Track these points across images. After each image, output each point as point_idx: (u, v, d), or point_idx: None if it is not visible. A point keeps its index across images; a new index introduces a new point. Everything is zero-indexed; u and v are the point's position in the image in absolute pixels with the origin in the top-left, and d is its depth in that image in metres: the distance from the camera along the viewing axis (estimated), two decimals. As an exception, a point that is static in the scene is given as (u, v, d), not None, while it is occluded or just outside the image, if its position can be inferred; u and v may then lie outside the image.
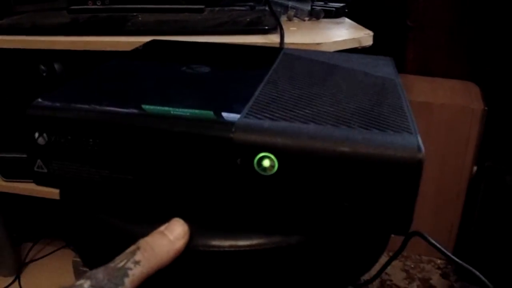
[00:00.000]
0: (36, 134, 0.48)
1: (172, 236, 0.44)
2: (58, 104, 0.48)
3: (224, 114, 0.45)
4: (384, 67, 0.64)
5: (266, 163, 0.42)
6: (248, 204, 0.46)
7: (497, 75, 1.67)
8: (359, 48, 0.96)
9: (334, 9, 1.21)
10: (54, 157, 0.49)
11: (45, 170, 0.49)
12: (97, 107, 0.47)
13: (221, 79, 0.59)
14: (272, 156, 0.42)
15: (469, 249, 1.61)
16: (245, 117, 0.45)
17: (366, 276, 0.71)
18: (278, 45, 0.88)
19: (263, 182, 0.43)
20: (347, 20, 1.21)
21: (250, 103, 0.48)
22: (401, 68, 1.77)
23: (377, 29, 1.04)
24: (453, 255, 1.64)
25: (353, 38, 0.97)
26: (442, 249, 0.63)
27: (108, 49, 0.97)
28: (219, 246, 0.45)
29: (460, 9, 1.71)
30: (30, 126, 0.48)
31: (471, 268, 0.65)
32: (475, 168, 1.61)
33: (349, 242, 0.49)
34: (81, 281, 0.39)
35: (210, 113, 0.46)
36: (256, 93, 0.51)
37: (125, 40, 0.97)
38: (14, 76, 1.26)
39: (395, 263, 1.71)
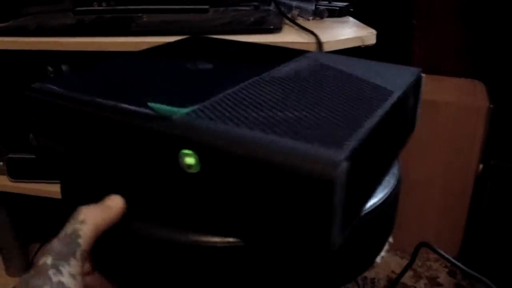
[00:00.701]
0: (29, 113, 0.56)
1: (109, 200, 0.48)
2: (45, 89, 0.55)
3: (171, 109, 0.46)
4: (399, 78, 0.60)
5: (188, 160, 0.43)
6: (177, 200, 0.48)
7: (503, 73, 1.67)
8: (363, 46, 0.96)
9: (338, 8, 1.21)
10: (39, 134, 0.57)
11: (35, 143, 0.58)
12: (66, 94, 0.53)
13: (212, 76, 0.60)
14: (194, 154, 0.43)
15: (475, 247, 1.61)
16: (190, 113, 0.45)
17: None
18: (280, 45, 0.88)
19: (186, 179, 0.44)
20: (351, 19, 1.21)
21: (211, 100, 0.48)
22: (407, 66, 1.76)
23: (382, 28, 1.04)
24: (460, 253, 1.64)
25: (356, 37, 0.97)
26: (449, 258, 0.63)
27: (114, 49, 0.97)
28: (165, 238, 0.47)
29: (465, 7, 1.70)
30: (26, 106, 0.56)
31: (479, 275, 0.65)
32: (481, 166, 1.61)
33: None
34: (43, 259, 0.42)
35: (162, 107, 0.47)
36: (228, 92, 0.51)
37: (131, 40, 0.98)
38: (22, 77, 1.27)
39: (402, 261, 1.71)
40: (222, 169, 0.42)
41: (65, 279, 0.41)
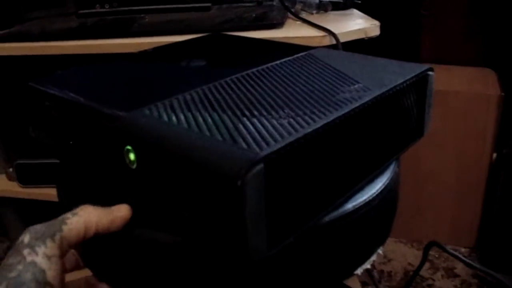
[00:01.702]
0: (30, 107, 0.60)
1: (113, 208, 0.47)
2: (33, 86, 0.59)
3: (126, 105, 0.47)
4: (391, 77, 0.54)
5: (131, 156, 0.44)
6: (125, 195, 0.48)
7: (514, 60, 1.65)
8: (366, 38, 0.95)
9: (342, 1, 1.20)
10: (34, 126, 0.61)
11: (33, 135, 0.62)
12: (58, 92, 0.55)
13: (196, 72, 0.60)
14: (133, 150, 0.44)
15: (492, 236, 1.59)
16: (140, 112, 0.46)
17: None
18: (283, 40, 0.87)
19: (130, 174, 0.45)
20: (355, 11, 1.20)
21: (171, 98, 0.49)
22: (416, 57, 1.75)
23: (391, 19, 1.03)
24: (477, 242, 1.62)
25: (359, 29, 0.96)
26: (460, 256, 0.62)
27: (117, 51, 0.97)
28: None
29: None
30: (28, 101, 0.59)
31: (490, 271, 0.63)
32: (494, 155, 1.59)
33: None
34: (21, 237, 0.42)
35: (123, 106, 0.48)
36: (196, 89, 0.51)
37: (133, 41, 0.98)
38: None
39: (419, 253, 1.70)
40: (153, 166, 0.43)
41: (39, 259, 0.41)
